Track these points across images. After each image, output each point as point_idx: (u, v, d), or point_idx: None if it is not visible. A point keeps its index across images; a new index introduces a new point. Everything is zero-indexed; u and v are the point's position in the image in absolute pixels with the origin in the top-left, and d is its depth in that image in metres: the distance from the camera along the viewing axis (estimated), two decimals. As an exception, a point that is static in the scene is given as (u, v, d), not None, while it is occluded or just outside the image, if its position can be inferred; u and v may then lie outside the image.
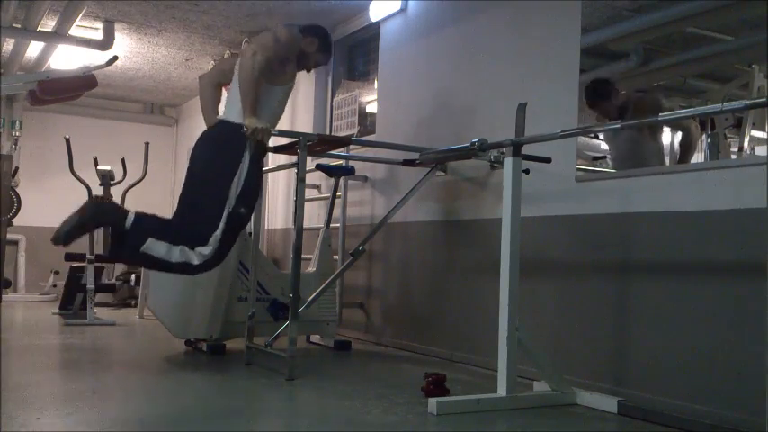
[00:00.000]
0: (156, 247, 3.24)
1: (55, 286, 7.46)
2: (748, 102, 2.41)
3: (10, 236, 7.26)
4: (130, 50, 6.70)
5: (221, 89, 3.77)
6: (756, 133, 2.88)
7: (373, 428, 2.45)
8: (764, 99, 2.37)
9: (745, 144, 2.89)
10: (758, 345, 2.32)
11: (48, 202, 8.11)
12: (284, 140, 3.71)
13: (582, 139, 3.38)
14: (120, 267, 7.11)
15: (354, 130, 5.33)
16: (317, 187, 5.54)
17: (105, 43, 5.94)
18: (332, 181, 4.64)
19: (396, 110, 4.86)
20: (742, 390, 2.49)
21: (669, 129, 3.15)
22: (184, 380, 3.37)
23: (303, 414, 2.86)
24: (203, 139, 3.55)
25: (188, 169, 3.54)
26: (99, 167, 6.36)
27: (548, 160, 3.27)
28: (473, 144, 3.20)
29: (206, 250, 3.29)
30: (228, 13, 5.61)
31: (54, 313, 5.97)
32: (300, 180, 3.39)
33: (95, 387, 3.04)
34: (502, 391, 2.79)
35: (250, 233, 4.05)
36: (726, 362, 2.58)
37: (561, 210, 3.41)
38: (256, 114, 3.31)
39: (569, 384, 2.98)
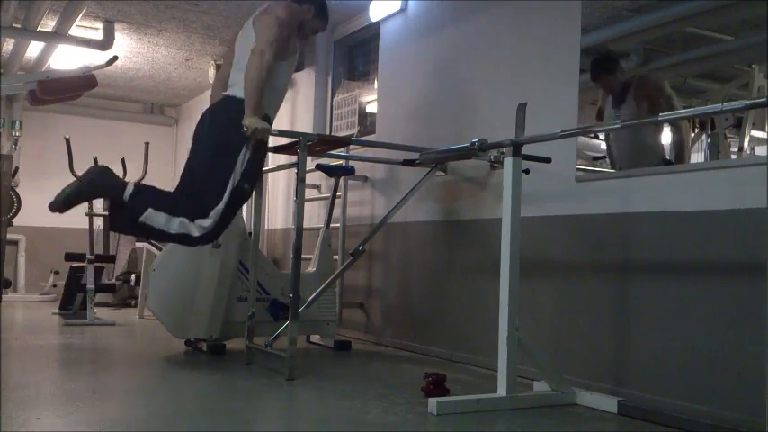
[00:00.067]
0: (155, 217, 3.26)
1: (55, 286, 7.46)
2: (748, 102, 2.41)
3: (10, 236, 7.26)
4: (130, 50, 6.70)
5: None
6: (756, 133, 2.88)
7: (373, 428, 2.45)
8: (764, 99, 2.37)
9: (745, 144, 2.89)
10: (758, 345, 2.32)
11: (48, 202, 8.11)
12: (284, 140, 3.71)
13: (582, 139, 3.38)
14: (120, 267, 7.11)
15: (354, 130, 5.33)
16: (317, 187, 5.54)
17: (105, 43, 5.94)
18: (332, 181, 4.64)
19: (396, 110, 4.86)
20: (742, 390, 2.49)
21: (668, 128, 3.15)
22: (184, 380, 3.37)
23: (303, 414, 2.86)
24: (209, 113, 3.55)
25: (192, 143, 3.53)
26: (99, 167, 6.35)
27: (548, 160, 3.28)
28: (473, 144, 3.20)
29: (206, 222, 3.30)
30: (228, 13, 5.61)
31: (54, 313, 5.97)
32: (300, 180, 3.39)
33: (95, 387, 3.04)
34: (502, 391, 2.79)
35: (250, 233, 4.05)
36: (726, 362, 2.58)
37: (561, 210, 3.41)
38: (257, 114, 3.30)
39: (569, 384, 2.98)
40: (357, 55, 5.82)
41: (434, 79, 4.47)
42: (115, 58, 5.11)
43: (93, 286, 5.49)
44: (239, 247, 4.00)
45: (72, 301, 5.87)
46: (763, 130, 2.89)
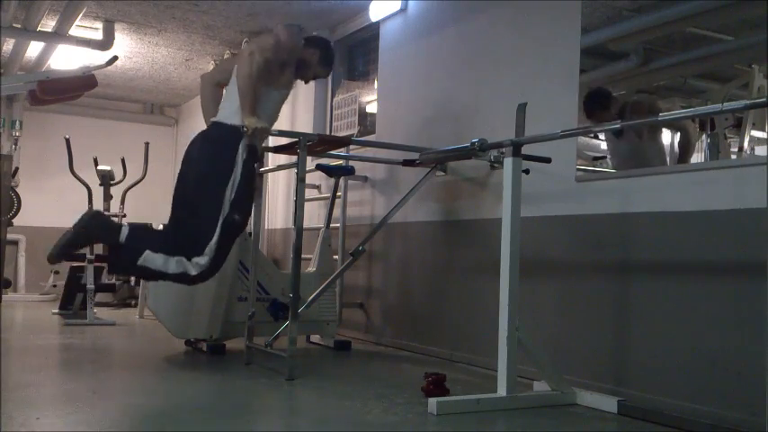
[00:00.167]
0: (152, 258, 3.23)
1: (55, 286, 7.46)
2: (748, 102, 2.41)
3: (10, 236, 7.25)
4: (130, 50, 6.70)
5: (222, 89, 3.75)
6: (756, 133, 2.88)
7: (373, 428, 2.45)
8: (764, 99, 2.37)
9: (745, 144, 2.89)
10: (758, 345, 2.32)
11: (48, 202, 8.12)
12: (284, 140, 3.71)
13: (582, 139, 3.38)
14: (120, 267, 7.10)
15: (354, 130, 5.33)
16: (317, 187, 5.54)
17: (105, 43, 5.94)
18: (332, 181, 4.64)
19: (396, 110, 4.86)
20: (742, 390, 2.49)
21: (669, 130, 3.15)
22: (184, 380, 3.37)
23: (303, 414, 2.86)
24: (196, 142, 3.50)
25: (180, 174, 3.49)
26: (99, 167, 6.36)
27: (548, 160, 3.27)
28: (473, 144, 3.20)
29: (202, 260, 3.26)
30: (228, 13, 5.61)
31: (54, 313, 5.97)
32: (300, 180, 3.38)
33: (95, 387, 3.04)
34: (502, 391, 2.79)
35: (250, 233, 4.05)
36: (726, 362, 2.58)
37: (561, 210, 3.41)
38: (256, 114, 3.31)
39: (569, 384, 2.98)
40: (357, 55, 5.82)
41: (434, 79, 4.47)
42: (115, 58, 5.11)
43: (93, 286, 5.50)
44: (239, 247, 3.99)
45: (72, 301, 5.87)
46: (763, 130, 2.89)
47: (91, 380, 3.25)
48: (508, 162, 2.90)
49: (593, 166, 3.47)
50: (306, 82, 3.85)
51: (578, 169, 3.33)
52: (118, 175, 6.52)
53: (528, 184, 3.03)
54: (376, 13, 5.05)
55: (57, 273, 7.44)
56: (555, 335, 3.34)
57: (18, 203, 7.32)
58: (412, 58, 4.72)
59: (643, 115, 3.20)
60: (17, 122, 8.05)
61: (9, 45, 6.38)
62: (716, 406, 2.58)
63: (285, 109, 4.87)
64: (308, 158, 3.75)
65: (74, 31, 5.73)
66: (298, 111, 6.11)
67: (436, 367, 3.45)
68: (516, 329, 2.81)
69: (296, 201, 3.38)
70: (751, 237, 2.52)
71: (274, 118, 3.62)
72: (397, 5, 4.84)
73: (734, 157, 2.89)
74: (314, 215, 5.58)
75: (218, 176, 3.31)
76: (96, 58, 5.94)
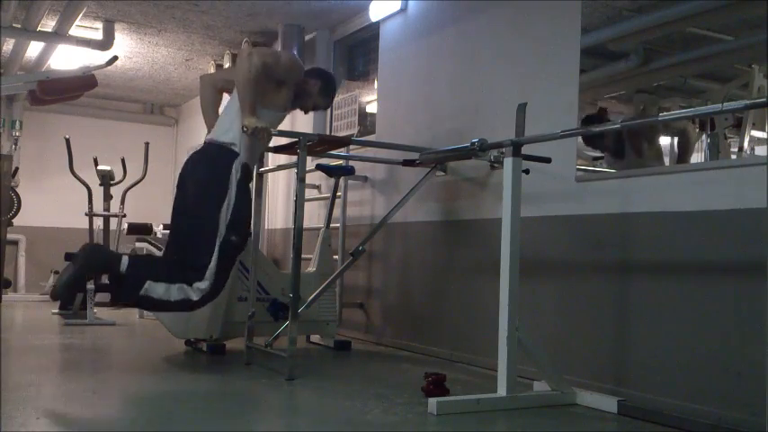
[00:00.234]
0: (154, 288, 3.21)
1: (55, 286, 7.45)
2: (748, 102, 2.41)
3: (10, 236, 7.26)
4: (130, 50, 6.70)
5: (222, 94, 3.73)
6: (756, 133, 2.88)
7: (373, 428, 2.45)
8: (764, 99, 2.37)
9: (745, 144, 2.89)
10: (758, 345, 2.32)
11: (48, 202, 8.13)
12: (284, 140, 3.71)
13: (581, 141, 3.37)
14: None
15: (354, 130, 5.33)
16: (317, 187, 5.54)
17: (105, 43, 5.94)
18: (332, 181, 4.64)
19: (396, 110, 4.86)
20: (742, 390, 2.49)
21: (668, 134, 3.15)
22: (184, 380, 3.37)
23: (303, 414, 2.86)
24: (189, 164, 3.48)
25: (176, 197, 3.47)
26: (99, 167, 6.37)
27: (548, 160, 3.27)
28: (473, 144, 3.20)
29: (203, 285, 3.24)
30: (228, 13, 5.61)
31: (54, 313, 5.97)
32: (300, 180, 3.38)
33: (95, 387, 3.04)
34: (502, 391, 2.79)
35: (250, 233, 4.04)
36: (726, 362, 2.58)
37: (561, 210, 3.41)
38: (255, 114, 3.30)
39: (569, 384, 2.98)
40: (357, 55, 5.82)
41: (434, 79, 4.47)
42: (115, 58, 5.11)
43: (93, 286, 5.49)
44: (239, 247, 3.99)
45: (72, 301, 5.87)
46: (763, 130, 2.88)
47: (91, 380, 3.25)
48: (508, 162, 2.90)
49: (594, 166, 3.47)
50: (305, 112, 3.82)
51: (578, 169, 3.33)
52: (118, 175, 6.53)
53: (528, 184, 3.03)
54: (376, 13, 5.05)
55: (56, 273, 7.43)
56: (555, 335, 3.34)
57: (18, 203, 7.32)
58: (412, 58, 4.72)
59: (641, 135, 3.21)
60: (17, 122, 8.06)
61: (9, 45, 6.38)
62: (716, 406, 2.58)
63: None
64: (308, 158, 3.75)
65: (74, 31, 5.74)
66: (298, 111, 6.10)
67: (436, 367, 3.45)
68: (516, 329, 2.81)
69: (296, 201, 3.38)
70: (751, 237, 2.52)
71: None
72: (397, 5, 4.84)
73: (734, 157, 2.88)
74: (314, 215, 5.58)
75: (211, 199, 3.28)
76: (96, 58, 5.94)
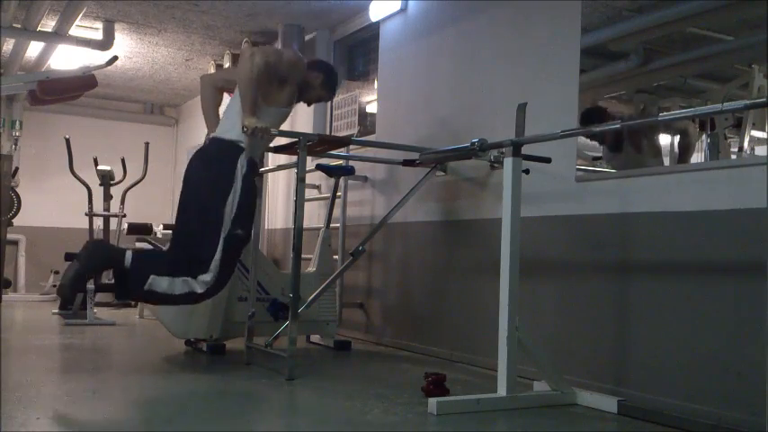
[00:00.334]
0: (158, 282, 3.23)
1: (55, 286, 7.45)
2: (748, 102, 2.41)
3: (10, 236, 7.25)
4: (130, 50, 6.70)
5: (222, 93, 3.74)
6: (756, 133, 2.88)
7: (373, 428, 2.45)
8: (764, 99, 2.37)
9: (745, 144, 2.89)
10: (758, 345, 2.32)
11: (48, 202, 8.13)
12: (284, 140, 3.71)
13: (582, 139, 3.38)
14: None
15: (354, 130, 5.33)
16: (317, 187, 5.54)
17: (105, 43, 5.94)
18: (332, 181, 4.64)
19: (396, 110, 4.86)
20: (742, 390, 2.49)
21: (669, 134, 3.15)
22: (184, 380, 3.37)
23: (303, 414, 2.86)
24: (195, 158, 3.49)
25: (181, 192, 3.48)
26: (99, 167, 6.37)
27: (548, 160, 3.27)
28: (473, 144, 3.20)
29: (207, 277, 3.26)
30: (228, 13, 5.61)
31: (54, 313, 5.97)
32: (300, 180, 3.38)
33: (95, 387, 3.04)
34: (502, 391, 2.79)
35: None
36: (726, 362, 2.58)
37: (561, 210, 3.41)
38: (255, 114, 3.30)
39: (569, 384, 2.97)
40: (357, 55, 5.82)
41: (434, 79, 4.47)
42: (115, 58, 5.11)
43: (93, 286, 5.49)
44: (239, 247, 4.00)
45: (72, 301, 5.87)
46: (763, 130, 2.88)
47: (91, 380, 3.24)
48: (508, 162, 2.90)
49: (594, 166, 3.47)
50: (308, 105, 3.85)
51: (578, 169, 3.33)
52: (118, 175, 6.53)
53: (528, 184, 3.03)
54: (376, 13, 5.05)
55: (56, 273, 7.44)
56: (555, 335, 3.34)
57: (18, 203, 7.33)
58: (412, 58, 4.72)
59: (641, 133, 3.21)
60: (17, 122, 8.05)
61: (9, 45, 6.38)
62: (716, 406, 2.58)
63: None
64: (308, 158, 3.75)
65: (74, 31, 5.73)
66: (298, 111, 6.09)
67: (436, 367, 3.45)
68: (516, 329, 2.81)
69: (296, 201, 3.38)
70: (751, 237, 2.52)
71: (272, 137, 3.56)
72: (397, 5, 4.84)
73: (734, 157, 2.89)
74: (314, 215, 5.58)
75: (217, 193, 3.30)
76: (96, 58, 5.94)
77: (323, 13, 5.48)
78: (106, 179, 6.35)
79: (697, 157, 3.02)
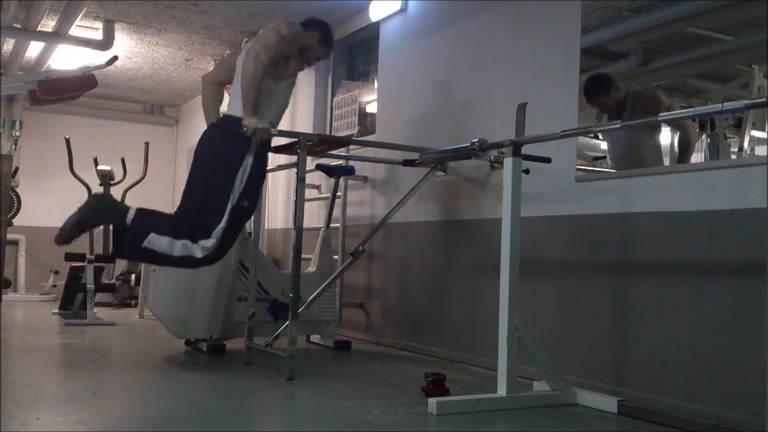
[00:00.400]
0: (157, 241, 3.25)
1: (55, 286, 7.47)
2: (748, 102, 2.41)
3: (10, 236, 7.26)
4: (130, 50, 6.70)
5: (223, 89, 3.77)
6: (756, 133, 2.88)
7: (373, 428, 2.45)
8: (764, 99, 2.37)
9: (745, 144, 2.89)
10: (758, 345, 2.32)
11: (48, 202, 8.12)
12: (284, 140, 3.71)
13: (582, 139, 3.38)
14: (120, 267, 7.11)
15: (354, 130, 5.33)
16: (317, 187, 5.55)
17: (105, 43, 5.94)
18: (332, 181, 4.64)
19: (396, 110, 4.86)
20: (742, 390, 2.49)
21: (669, 128, 3.15)
22: (184, 380, 3.37)
23: (303, 414, 2.86)
24: (208, 133, 3.55)
25: (192, 163, 3.53)
26: (99, 167, 6.36)
27: (548, 160, 3.27)
28: (473, 144, 3.20)
29: (209, 243, 3.29)
30: (228, 13, 5.61)
31: (54, 313, 5.97)
32: (300, 180, 3.39)
33: (95, 387, 3.04)
34: (502, 391, 2.79)
35: (250, 233, 4.05)
36: (726, 362, 2.58)
37: (561, 210, 3.41)
38: (256, 115, 3.31)
39: (569, 384, 2.98)
40: (357, 55, 5.82)
41: (434, 79, 4.47)
42: (115, 58, 5.11)
43: (93, 286, 5.50)
44: (239, 247, 4.00)
45: (72, 301, 5.87)
46: (763, 130, 2.89)
47: (91, 380, 3.24)
48: (508, 162, 2.90)
49: (594, 166, 3.47)
50: (309, 65, 3.86)
51: (578, 169, 3.33)
52: (118, 175, 6.52)
53: (528, 184, 3.03)
54: (376, 13, 5.05)
55: (56, 273, 7.44)
56: (555, 335, 3.34)
57: (18, 203, 7.33)
58: (412, 58, 4.72)
59: (645, 108, 3.20)
60: (17, 122, 8.06)
61: (9, 45, 6.38)
62: (716, 406, 2.58)
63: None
64: (308, 158, 3.75)
65: (74, 31, 5.74)
66: (298, 111, 6.11)
67: (436, 367, 3.45)
68: (516, 329, 2.81)
69: (296, 201, 3.39)
70: (751, 237, 2.52)
71: (285, 106, 3.65)
72: (397, 5, 4.84)
73: (734, 157, 2.89)
74: (314, 215, 5.58)
75: (228, 165, 3.35)
76: (96, 58, 5.94)
77: (323, 14, 5.45)
78: (106, 179, 6.34)
79: (697, 157, 3.02)
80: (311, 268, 4.42)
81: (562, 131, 2.83)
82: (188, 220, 3.34)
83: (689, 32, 3.16)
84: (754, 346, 2.40)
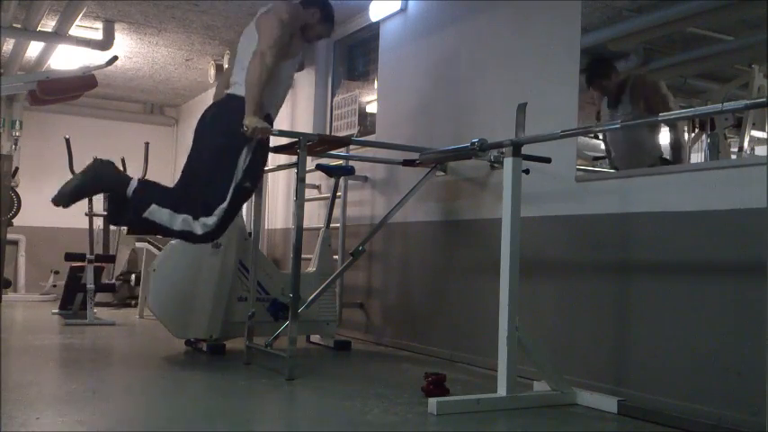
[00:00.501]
0: (158, 213, 3.28)
1: (55, 286, 7.46)
2: (748, 102, 2.41)
3: (10, 236, 7.25)
4: (130, 50, 6.70)
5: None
6: (756, 133, 2.88)
7: (373, 428, 2.45)
8: (764, 99, 2.37)
9: (745, 144, 2.89)
10: (758, 345, 2.32)
11: (48, 202, 8.10)
12: (284, 140, 3.71)
13: (582, 138, 3.38)
14: (119, 267, 7.11)
15: (354, 130, 5.33)
16: (317, 187, 5.54)
17: (105, 43, 5.94)
18: (332, 181, 4.64)
19: (396, 110, 4.86)
20: (742, 390, 2.49)
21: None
22: (184, 380, 3.37)
23: (303, 414, 2.86)
24: (211, 111, 3.56)
25: (194, 140, 3.54)
26: (99, 167, 6.35)
27: (548, 160, 3.28)
28: (473, 144, 3.20)
29: (210, 221, 3.32)
30: (228, 13, 5.61)
31: (54, 313, 5.97)
32: (300, 180, 3.39)
33: (95, 387, 3.04)
34: (502, 391, 2.79)
35: (250, 233, 4.05)
36: (726, 362, 2.58)
37: (561, 210, 3.41)
38: (257, 114, 3.31)
39: (569, 384, 2.98)
40: (357, 55, 5.82)
41: (434, 79, 4.47)
42: (115, 58, 5.11)
43: (93, 286, 5.49)
44: (239, 247, 4.00)
45: (72, 301, 5.87)
46: (763, 130, 2.89)
47: (91, 380, 3.24)
48: (508, 162, 2.90)
49: (594, 166, 3.47)
50: (309, 42, 3.87)
51: (578, 169, 3.33)
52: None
53: (528, 184, 3.03)
54: (376, 13, 5.04)
55: (56, 273, 7.44)
56: (555, 335, 3.34)
57: (18, 203, 7.32)
58: (412, 58, 4.72)
59: (645, 92, 3.21)
60: (17, 122, 8.05)
61: (9, 45, 6.38)
62: (716, 406, 2.58)
63: (285, 109, 4.86)
64: (308, 158, 3.75)
65: (74, 31, 5.74)
66: (298, 111, 6.11)
67: (436, 367, 3.45)
68: (516, 329, 2.81)
69: (296, 201, 3.39)
70: (751, 237, 2.52)
71: (289, 85, 3.69)
72: (397, 5, 4.84)
73: (734, 157, 2.89)
74: (314, 215, 5.58)
75: (233, 144, 3.35)
76: (96, 58, 5.94)
77: (323, 13, 5.47)
78: (106, 179, 6.33)
79: (697, 157, 3.02)
80: (311, 268, 4.42)
81: (562, 131, 2.83)
82: (189, 197, 3.36)
83: (689, 32, 3.16)
84: (754, 346, 2.40)
